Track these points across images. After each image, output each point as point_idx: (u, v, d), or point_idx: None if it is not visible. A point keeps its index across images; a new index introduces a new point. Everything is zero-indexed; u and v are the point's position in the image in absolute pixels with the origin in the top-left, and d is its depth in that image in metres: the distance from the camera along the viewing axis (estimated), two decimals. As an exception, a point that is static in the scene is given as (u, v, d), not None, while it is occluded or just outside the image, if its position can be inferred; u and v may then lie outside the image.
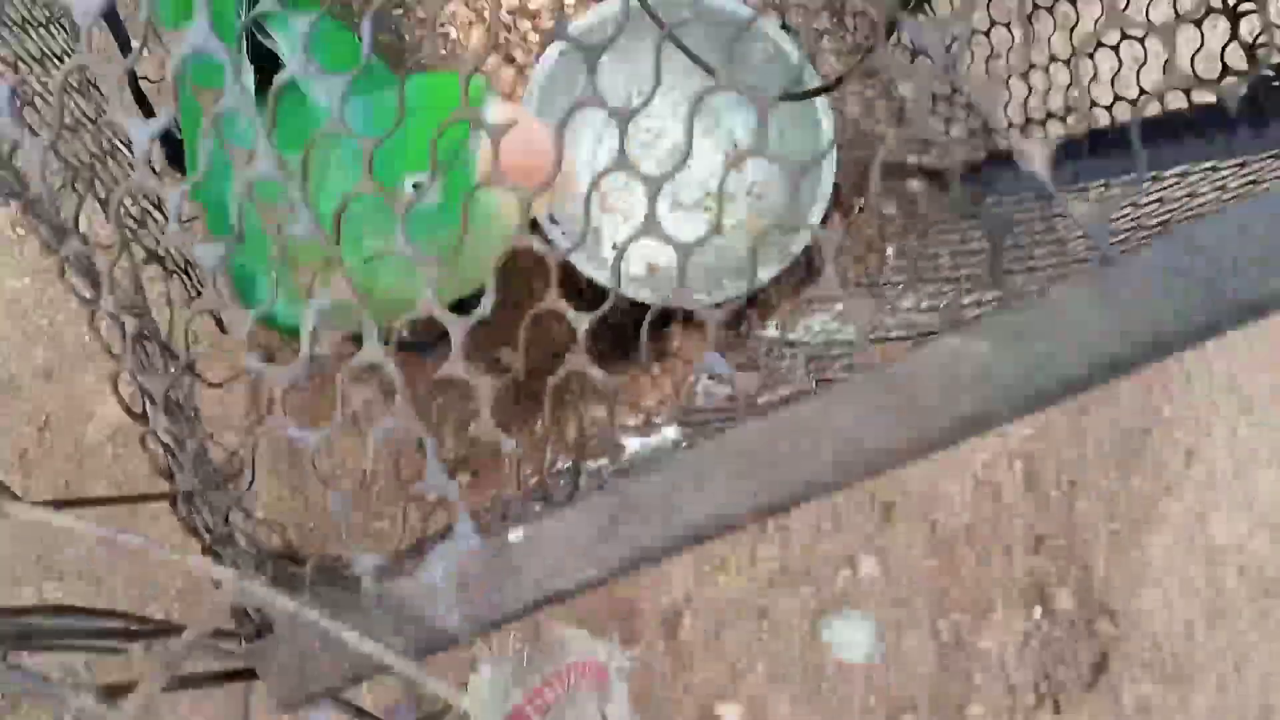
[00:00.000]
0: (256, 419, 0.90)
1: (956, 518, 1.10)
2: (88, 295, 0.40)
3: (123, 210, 0.39)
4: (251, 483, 0.40)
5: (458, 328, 0.38)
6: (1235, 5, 0.64)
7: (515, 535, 0.38)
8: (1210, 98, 0.70)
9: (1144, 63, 0.74)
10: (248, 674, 0.48)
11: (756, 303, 1.01)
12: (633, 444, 0.38)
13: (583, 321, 0.37)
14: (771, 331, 0.95)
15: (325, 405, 0.97)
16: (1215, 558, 1.13)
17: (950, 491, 1.10)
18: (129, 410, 0.42)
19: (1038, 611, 1.10)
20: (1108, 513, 1.11)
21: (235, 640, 0.41)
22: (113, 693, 0.34)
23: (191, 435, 0.42)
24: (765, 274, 0.91)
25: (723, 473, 0.36)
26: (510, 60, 1.00)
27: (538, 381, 0.45)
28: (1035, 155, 0.28)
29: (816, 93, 0.80)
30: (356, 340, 0.38)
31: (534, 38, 1.00)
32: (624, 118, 0.36)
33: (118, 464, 0.97)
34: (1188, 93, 0.71)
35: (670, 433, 0.39)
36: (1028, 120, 0.90)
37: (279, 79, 0.37)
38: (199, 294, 0.73)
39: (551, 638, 0.44)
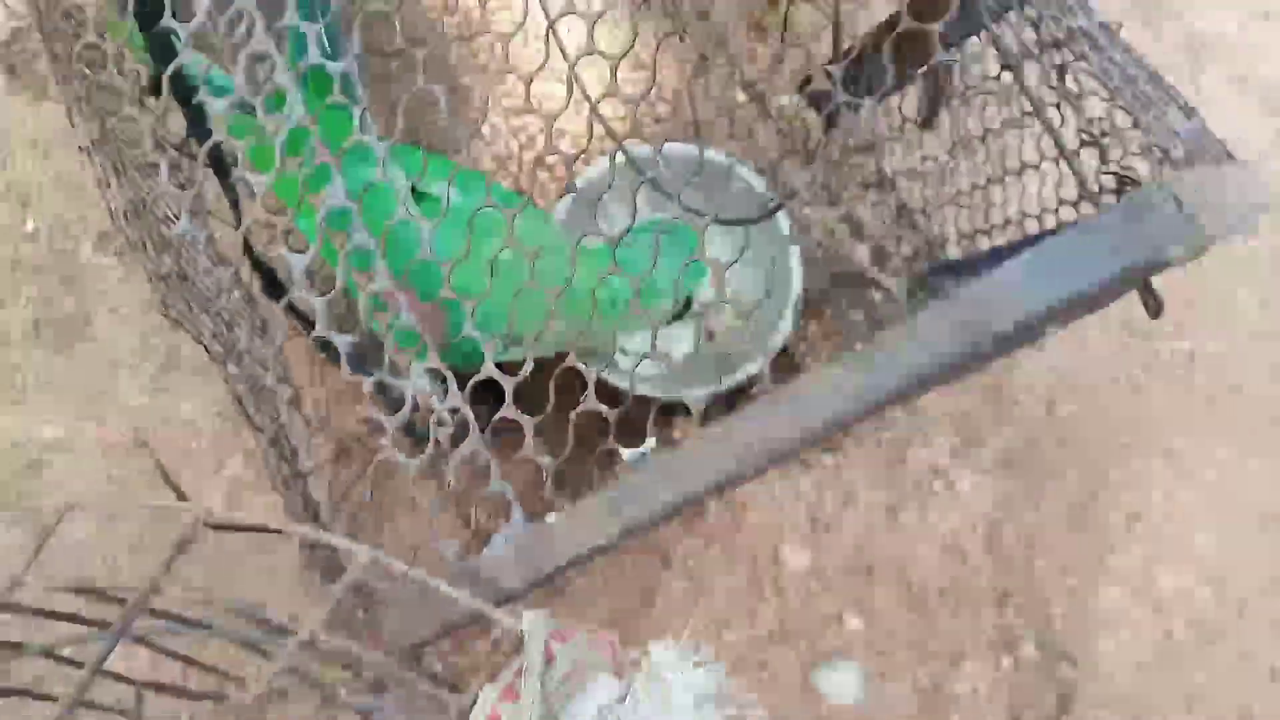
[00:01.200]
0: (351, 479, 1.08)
1: (930, 578, 1.26)
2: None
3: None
4: (370, 495, 0.58)
5: (509, 383, 0.58)
6: (1100, 136, 0.83)
7: (552, 518, 0.56)
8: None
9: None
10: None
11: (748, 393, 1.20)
12: (625, 453, 0.56)
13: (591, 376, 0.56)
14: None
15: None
16: (1163, 607, 1.28)
17: (923, 555, 1.27)
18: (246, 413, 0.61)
19: (1006, 659, 1.25)
20: (1063, 569, 1.27)
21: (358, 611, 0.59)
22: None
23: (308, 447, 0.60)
24: (753, 367, 1.10)
25: (687, 458, 0.54)
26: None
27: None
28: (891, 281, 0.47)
29: (777, 208, 1.01)
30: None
31: (552, 187, 1.23)
32: (613, 241, 0.56)
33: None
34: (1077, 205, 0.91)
35: (651, 444, 0.58)
36: (961, 235, 1.10)
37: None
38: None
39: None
